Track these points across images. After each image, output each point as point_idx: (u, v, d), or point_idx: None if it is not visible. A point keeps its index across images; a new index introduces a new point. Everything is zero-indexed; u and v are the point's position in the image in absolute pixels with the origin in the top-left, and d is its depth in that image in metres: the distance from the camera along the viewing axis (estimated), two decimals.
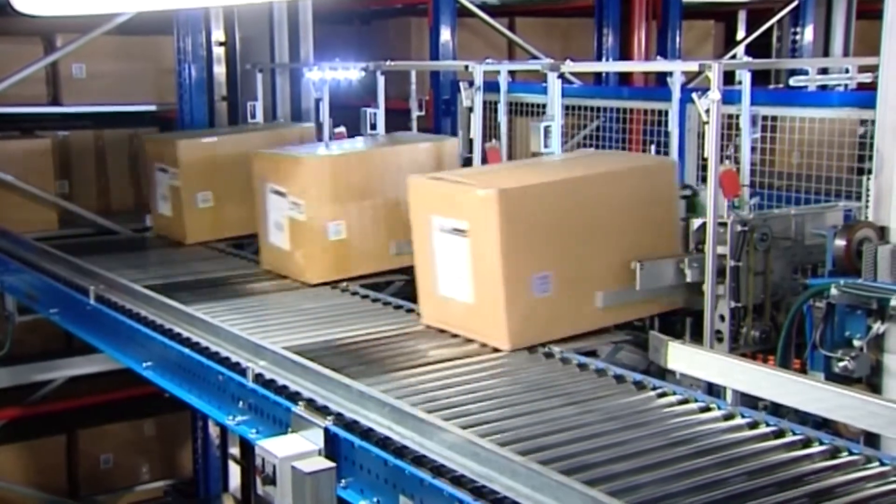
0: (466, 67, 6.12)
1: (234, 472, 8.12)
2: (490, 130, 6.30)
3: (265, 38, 8.36)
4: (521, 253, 3.90)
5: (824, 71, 7.25)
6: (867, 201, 3.98)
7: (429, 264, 4.24)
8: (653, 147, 5.86)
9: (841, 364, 3.74)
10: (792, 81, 6.60)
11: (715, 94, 4.37)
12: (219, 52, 7.91)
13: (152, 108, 8.23)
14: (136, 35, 7.94)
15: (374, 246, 5.15)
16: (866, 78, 5.82)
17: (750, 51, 10.17)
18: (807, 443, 2.99)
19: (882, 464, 2.83)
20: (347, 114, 7.22)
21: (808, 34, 10.34)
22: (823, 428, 3.25)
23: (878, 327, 3.72)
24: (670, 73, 6.05)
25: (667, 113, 5.98)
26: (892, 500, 2.64)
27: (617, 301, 4.18)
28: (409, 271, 4.86)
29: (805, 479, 2.77)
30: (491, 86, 6.36)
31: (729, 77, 5.33)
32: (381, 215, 5.18)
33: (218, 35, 7.85)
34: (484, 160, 5.91)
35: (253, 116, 7.69)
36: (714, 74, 4.39)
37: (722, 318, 4.28)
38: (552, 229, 3.99)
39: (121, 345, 4.41)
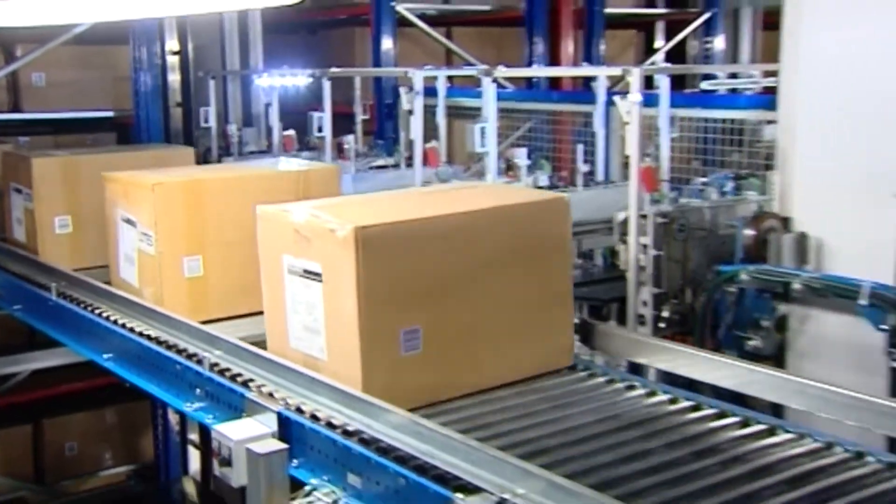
0: (406, 73, 6.16)
1: (194, 456, 8.01)
2: (429, 132, 6.35)
3: (217, 47, 8.35)
4: (385, 303, 3.05)
5: (734, 76, 7.39)
6: (772, 194, 4.07)
7: (279, 312, 3.38)
8: (580, 147, 5.92)
9: (751, 343, 3.83)
10: (704, 85, 6.69)
11: (635, 96, 4.43)
12: (173, 60, 7.85)
13: (110, 114, 8.16)
14: (93, 45, 7.87)
15: (237, 285, 4.02)
16: (770, 82, 5.93)
17: (667, 58, 10.31)
18: (721, 415, 3.05)
19: (786, 431, 2.90)
20: (296, 118, 7.25)
21: (719, 43, 10.57)
22: (736, 401, 3.30)
23: (783, 309, 3.82)
24: (595, 78, 6.15)
25: (593, 115, 6.07)
26: (794, 462, 2.70)
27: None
28: None
29: (719, 448, 2.82)
30: (430, 90, 6.40)
31: (649, 81, 5.41)
32: (246, 250, 3.76)
33: (172, 45, 7.80)
34: (425, 160, 5.96)
35: (206, 121, 7.69)
36: (634, 79, 4.45)
37: (644, 303, 4.35)
38: (423, 275, 3.12)
39: (82, 338, 4.37)
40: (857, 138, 3.66)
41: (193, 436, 7.92)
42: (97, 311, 4.22)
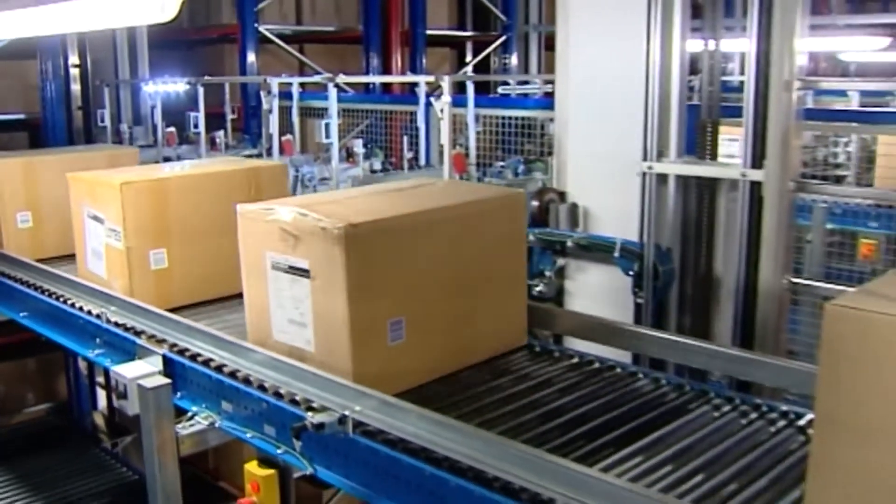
0: (266, 80, 6.09)
1: (101, 394, 7.87)
2: (287, 127, 6.29)
3: (111, 60, 8.17)
4: (373, 297, 2.61)
5: (525, 83, 7.55)
6: (552, 174, 4.17)
7: (262, 307, 2.86)
8: (405, 139, 5.95)
9: (537, 289, 3.92)
10: (500, 90, 6.80)
11: (446, 98, 4.48)
12: (74, 72, 7.52)
13: (22, 116, 7.82)
14: (7, 60, 7.50)
15: (198, 274, 3.62)
16: (550, 88, 6.08)
17: (475, 70, 10.47)
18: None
19: (562, 353, 2.98)
20: (176, 118, 7.11)
21: (514, 59, 10.83)
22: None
23: (560, 262, 3.93)
24: (417, 84, 6.18)
25: (416, 113, 6.11)
26: (566, 377, 2.78)
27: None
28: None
29: (510, 370, 2.88)
30: (287, 94, 6.32)
31: (462, 87, 5.45)
32: (206, 242, 3.60)
33: (73, 59, 7.49)
34: (282, 150, 5.89)
35: (102, 121, 7.49)
36: (446, 85, 4.49)
37: None
38: (406, 268, 2.68)
39: (2, 301, 4.17)
40: (611, 130, 3.78)
41: (100, 378, 7.72)
42: (14, 278, 4.03)
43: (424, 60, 9.64)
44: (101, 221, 3.69)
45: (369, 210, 2.74)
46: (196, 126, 6.55)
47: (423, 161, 6.09)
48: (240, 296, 2.99)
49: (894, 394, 1.49)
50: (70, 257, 4.05)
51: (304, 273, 2.67)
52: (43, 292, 3.80)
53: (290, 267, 2.71)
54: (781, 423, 2.44)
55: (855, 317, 1.55)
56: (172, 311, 3.29)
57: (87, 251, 3.85)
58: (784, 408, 2.50)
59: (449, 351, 2.84)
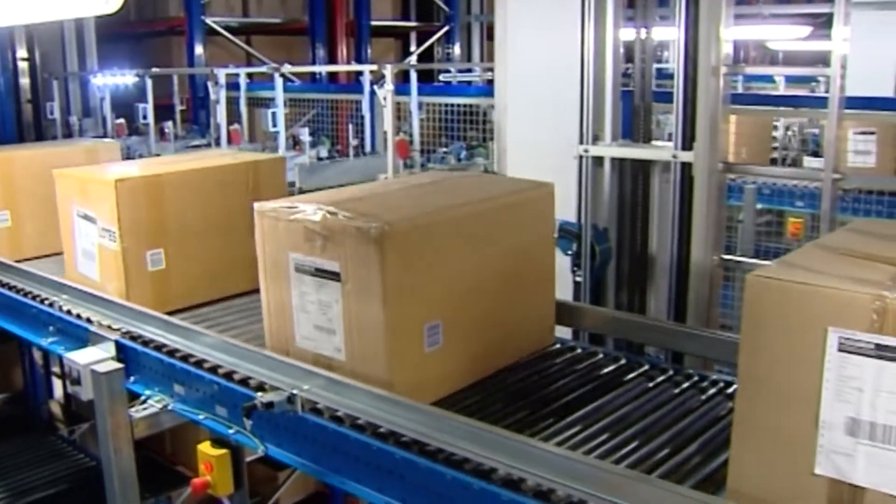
0: (213, 71, 6.02)
1: (57, 383, 7.74)
2: (233, 117, 6.24)
3: (59, 53, 8.01)
4: (410, 299, 2.35)
5: (468, 71, 7.57)
6: (493, 159, 4.19)
7: (283, 312, 2.59)
8: (351, 127, 5.93)
9: None
10: (441, 78, 6.80)
11: (389, 86, 4.46)
12: (23, 65, 7.40)
13: None
14: None
15: (197, 275, 3.33)
16: (491, 76, 6.10)
17: (419, 59, 10.47)
18: None
19: None
20: (125, 109, 7.01)
21: (457, 49, 10.86)
22: None
23: None
24: (362, 73, 6.16)
25: (361, 102, 6.09)
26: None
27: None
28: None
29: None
30: (236, 85, 6.26)
31: (406, 76, 5.44)
32: (204, 240, 3.33)
33: (21, 52, 7.36)
34: (230, 139, 5.83)
35: (52, 114, 7.35)
36: (388, 73, 4.47)
37: None
38: (442, 268, 2.43)
39: None
40: (548, 116, 3.80)
41: (55, 368, 7.58)
42: None
43: (369, 50, 9.61)
44: (93, 221, 3.35)
45: (402, 207, 2.49)
46: (145, 117, 6.49)
47: (368, 148, 6.08)
48: (241, 295, 2.89)
49: (809, 358, 1.54)
50: (53, 257, 3.83)
51: (333, 276, 2.40)
52: None
53: (317, 269, 2.44)
54: (711, 391, 2.50)
55: (774, 286, 1.59)
56: (171, 314, 3.02)
57: (77, 252, 3.51)
58: (714, 377, 2.56)
59: (484, 354, 2.60)
